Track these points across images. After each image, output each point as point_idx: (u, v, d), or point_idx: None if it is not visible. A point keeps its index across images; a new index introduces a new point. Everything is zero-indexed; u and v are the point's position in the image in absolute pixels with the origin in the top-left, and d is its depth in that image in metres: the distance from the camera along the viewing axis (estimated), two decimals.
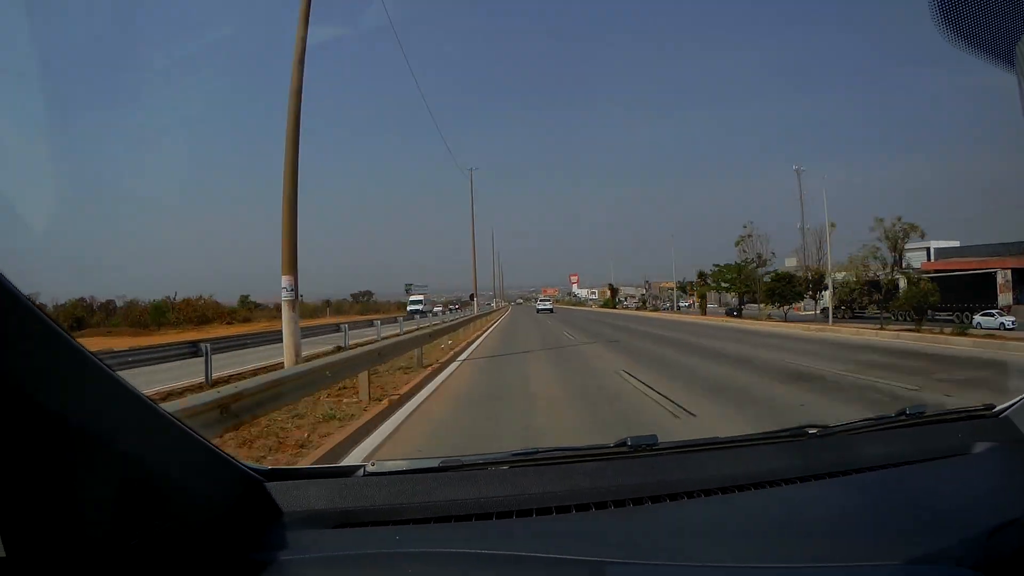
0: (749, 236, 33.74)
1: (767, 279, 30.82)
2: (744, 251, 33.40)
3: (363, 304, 74.79)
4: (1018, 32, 0.66)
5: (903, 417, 1.45)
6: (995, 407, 1.48)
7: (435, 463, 1.16)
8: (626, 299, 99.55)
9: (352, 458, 4.14)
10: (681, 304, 67.78)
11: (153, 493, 0.75)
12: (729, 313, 37.04)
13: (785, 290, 28.65)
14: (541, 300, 60.87)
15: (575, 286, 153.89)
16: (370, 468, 1.12)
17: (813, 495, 1.18)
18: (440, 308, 58.62)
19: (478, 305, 39.85)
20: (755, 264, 33.03)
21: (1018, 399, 1.44)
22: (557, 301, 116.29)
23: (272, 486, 1.02)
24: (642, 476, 1.17)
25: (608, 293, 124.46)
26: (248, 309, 47.76)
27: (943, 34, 0.72)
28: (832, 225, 26.00)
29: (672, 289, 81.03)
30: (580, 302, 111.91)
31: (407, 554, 0.89)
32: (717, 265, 35.55)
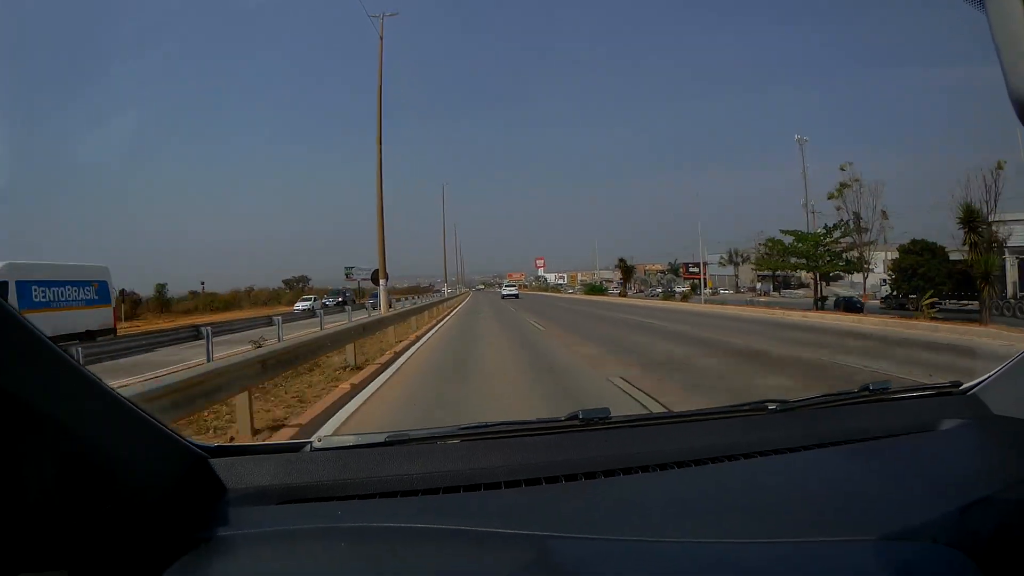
0: (849, 186, 22.73)
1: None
2: (841, 208, 22.70)
3: (295, 292, 60.84)
4: None
5: (866, 392, 1.42)
6: (962, 384, 1.45)
7: (382, 438, 1.13)
8: (602, 283, 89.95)
9: None
10: (677, 289, 57.67)
11: (95, 470, 0.74)
12: (849, 307, 22.67)
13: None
14: (506, 285, 58.04)
15: (541, 270, 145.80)
16: (317, 444, 1.09)
17: (775, 469, 1.15)
18: (336, 300, 40.96)
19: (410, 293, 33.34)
20: (849, 229, 22.17)
21: (985, 377, 1.41)
22: (524, 287, 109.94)
23: (216, 462, 0.99)
24: (596, 450, 1.15)
25: (576, 279, 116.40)
26: None
27: None
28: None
29: (660, 272, 71.44)
30: (549, 287, 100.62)
31: (348, 528, 0.88)
32: (790, 232, 24.32)
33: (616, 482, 1.07)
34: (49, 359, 0.69)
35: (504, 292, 50.86)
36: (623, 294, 53.29)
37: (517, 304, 30.22)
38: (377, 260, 17.04)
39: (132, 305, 40.16)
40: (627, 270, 54.88)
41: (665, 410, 2.75)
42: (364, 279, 58.73)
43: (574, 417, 1.22)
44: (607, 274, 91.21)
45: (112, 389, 0.81)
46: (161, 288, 50.61)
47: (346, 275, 58.13)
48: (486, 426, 1.20)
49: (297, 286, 64.27)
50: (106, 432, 0.78)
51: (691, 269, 61.96)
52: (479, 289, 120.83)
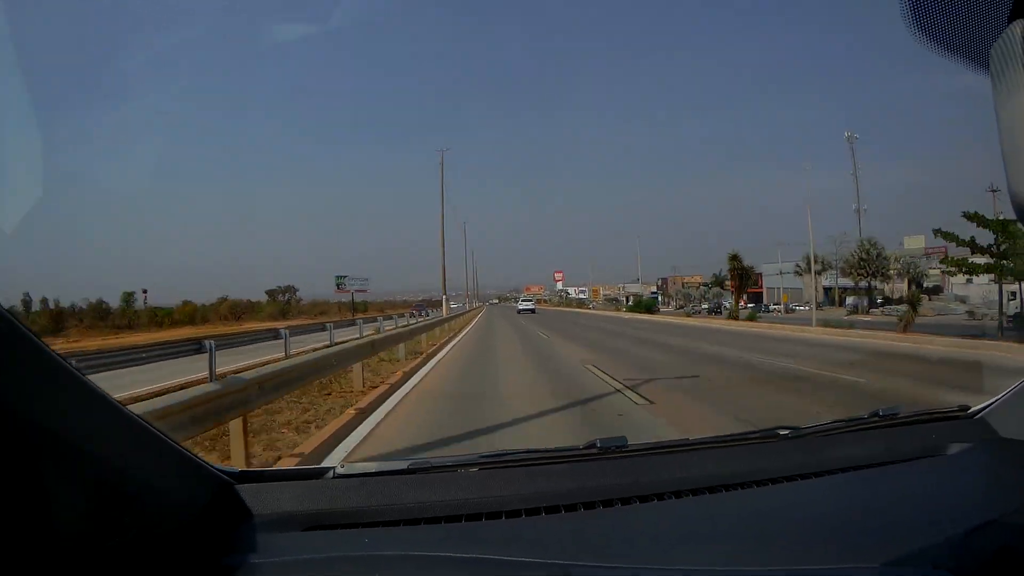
0: None
1: None
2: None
3: (276, 305, 52.28)
4: (992, 35, 0.65)
5: (876, 418, 1.44)
6: (970, 408, 1.47)
7: (404, 465, 1.15)
8: (628, 299, 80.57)
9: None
10: (724, 304, 48.16)
11: (123, 497, 0.75)
12: None
13: None
14: (523, 300, 54.97)
15: (560, 283, 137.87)
16: (340, 470, 1.11)
17: (786, 497, 1.17)
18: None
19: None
20: None
21: (993, 400, 1.43)
22: (543, 301, 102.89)
23: (242, 488, 1.01)
24: (612, 478, 1.16)
25: (599, 293, 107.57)
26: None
27: (916, 38, 0.72)
28: None
29: (703, 285, 61.85)
30: (572, 302, 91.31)
31: (376, 557, 0.89)
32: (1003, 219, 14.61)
33: (633, 510, 1.08)
34: (73, 386, 0.69)
35: (520, 307, 48.39)
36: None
37: (545, 328, 23.59)
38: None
39: (53, 318, 31.75)
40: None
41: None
42: (359, 290, 49.85)
43: (592, 446, 1.23)
44: (635, 288, 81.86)
45: (139, 416, 0.81)
46: (128, 297, 42.55)
47: (337, 286, 49.47)
48: (506, 454, 1.21)
49: (283, 297, 55.63)
50: (135, 460, 0.79)
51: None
52: (493, 303, 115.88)
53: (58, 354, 0.66)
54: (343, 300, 52.36)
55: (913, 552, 0.84)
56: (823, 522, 1.06)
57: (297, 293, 56.72)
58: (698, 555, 0.92)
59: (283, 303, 54.33)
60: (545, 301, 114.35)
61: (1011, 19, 0.63)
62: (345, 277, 50.21)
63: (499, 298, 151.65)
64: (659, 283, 76.60)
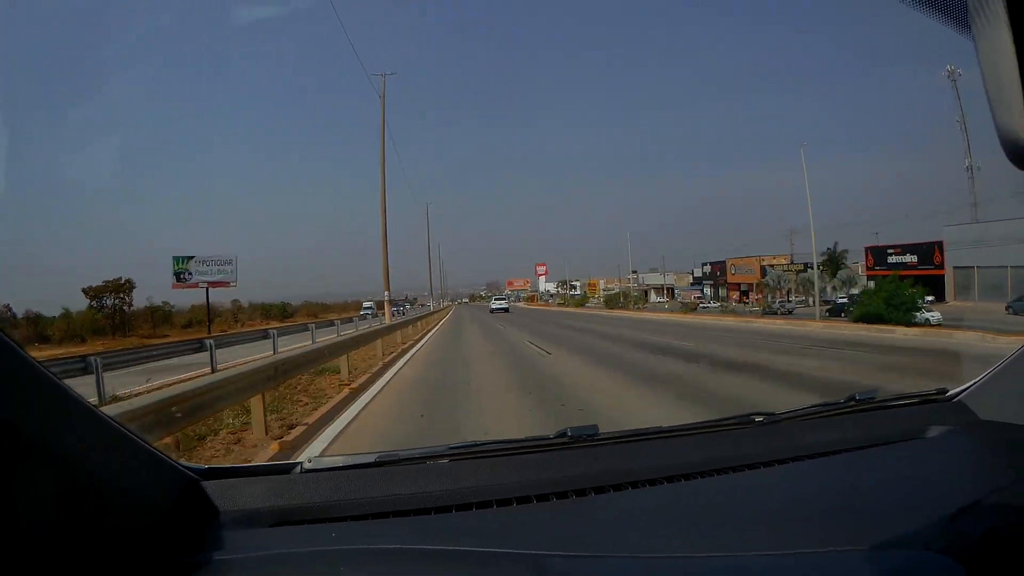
0: None
1: None
2: None
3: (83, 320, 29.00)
4: None
5: (852, 403, 1.42)
6: (948, 391, 1.45)
7: (372, 458, 1.13)
8: (648, 292, 59.72)
9: None
10: (838, 299, 28.38)
11: (88, 495, 0.74)
12: None
13: None
14: (495, 299, 49.98)
15: (543, 278, 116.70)
16: (307, 465, 1.09)
17: (764, 482, 1.15)
18: None
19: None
20: None
21: (972, 383, 1.41)
22: (533, 299, 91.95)
23: (209, 485, 0.99)
24: (584, 467, 1.15)
25: (598, 286, 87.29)
26: None
27: None
28: None
29: (786, 269, 41.07)
30: (571, 299, 69.22)
31: (343, 551, 0.88)
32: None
33: (606, 499, 1.06)
34: (33, 380, 0.68)
35: (493, 306, 44.69)
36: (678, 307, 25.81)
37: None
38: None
39: None
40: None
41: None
42: (217, 282, 26.74)
43: (563, 434, 1.21)
44: (654, 279, 60.52)
45: (103, 413, 0.81)
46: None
47: (177, 277, 26.30)
48: (476, 445, 1.20)
49: (108, 301, 32.02)
50: (99, 457, 0.78)
51: (894, 258, 30.82)
52: (462, 303, 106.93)
53: (13, 341, 0.65)
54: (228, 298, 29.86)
55: (900, 534, 0.84)
56: (805, 507, 1.04)
57: (135, 291, 32.71)
58: (675, 543, 0.90)
59: (98, 310, 30.66)
60: (532, 299, 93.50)
61: None
62: (190, 260, 26.77)
63: (471, 297, 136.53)
64: (704, 271, 55.15)
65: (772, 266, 44.00)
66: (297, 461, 1.10)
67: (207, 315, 28.03)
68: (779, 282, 39.42)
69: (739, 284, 49.23)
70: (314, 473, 1.07)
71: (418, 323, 21.92)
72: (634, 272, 70.74)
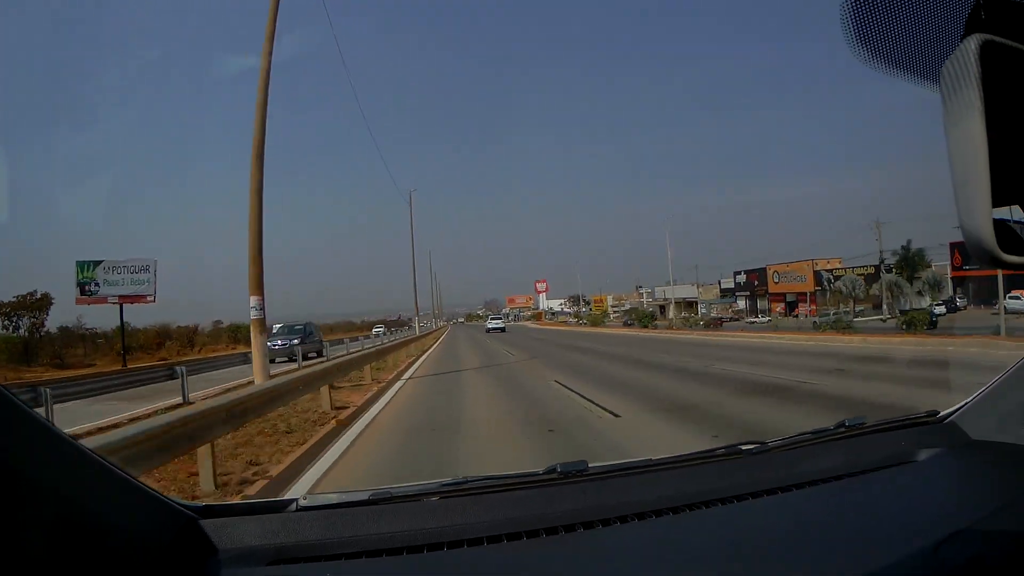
0: None
1: None
2: None
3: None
4: (944, 51, 0.62)
5: (842, 429, 1.41)
6: (939, 413, 1.43)
7: (366, 496, 1.13)
8: (663, 308, 53.32)
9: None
10: (935, 309, 20.71)
11: (83, 536, 0.74)
12: None
13: None
14: (492, 319, 51.77)
15: (543, 295, 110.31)
16: (302, 502, 1.09)
17: (753, 514, 1.15)
18: None
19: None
20: None
21: (962, 403, 1.39)
22: (539, 317, 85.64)
23: (206, 523, 0.99)
24: (573, 502, 1.15)
25: (605, 302, 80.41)
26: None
27: (860, 57, 0.70)
28: None
29: (842, 272, 34.62)
30: (586, 318, 62.25)
31: None
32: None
33: (595, 534, 1.07)
34: (23, 421, 0.68)
35: (489, 326, 44.77)
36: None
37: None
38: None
39: None
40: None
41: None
42: (133, 296, 19.69)
43: (552, 470, 1.21)
44: (686, 290, 54.03)
45: (96, 453, 0.81)
46: None
47: (81, 289, 19.26)
48: (467, 481, 1.20)
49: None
50: (94, 497, 0.78)
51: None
52: (458, 322, 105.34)
53: (6, 388, 0.65)
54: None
55: (885, 565, 0.85)
56: (794, 538, 1.05)
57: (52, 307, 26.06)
58: None
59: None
60: (538, 317, 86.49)
61: (965, 34, 0.59)
62: (97, 266, 20.05)
63: (468, 316, 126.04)
64: (737, 281, 48.41)
65: (830, 271, 37.24)
66: (292, 498, 1.10)
67: (122, 338, 21.11)
68: (853, 288, 32.44)
69: (783, 294, 42.88)
70: (309, 511, 1.07)
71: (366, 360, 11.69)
72: (637, 288, 64.28)
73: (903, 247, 30.82)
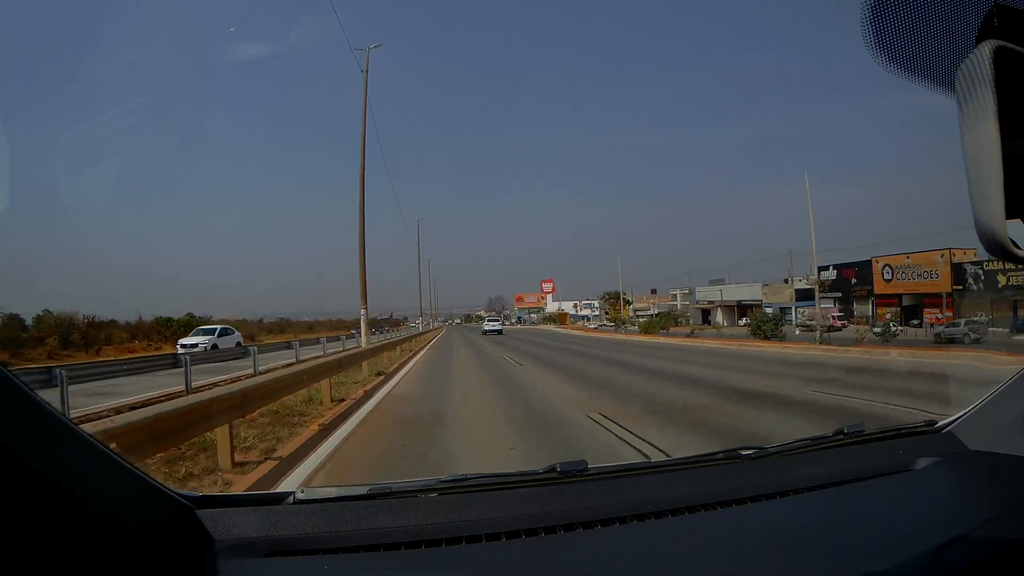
0: None
1: None
2: None
3: None
4: (959, 56, 0.65)
5: (841, 436, 1.42)
6: (936, 423, 1.46)
7: (364, 490, 1.14)
8: (708, 313, 44.79)
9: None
10: None
11: (80, 523, 0.75)
12: None
13: None
14: (489, 320, 48.47)
15: (550, 296, 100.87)
16: (300, 495, 1.10)
17: (751, 518, 1.16)
18: None
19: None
20: None
21: (960, 414, 1.41)
22: (554, 319, 75.52)
23: (203, 514, 1.00)
24: (573, 502, 1.16)
25: (649, 304, 70.35)
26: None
27: (879, 62, 0.74)
28: None
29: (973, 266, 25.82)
30: (618, 319, 52.65)
31: None
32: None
33: (594, 534, 1.08)
34: (23, 405, 0.69)
35: (486, 327, 42.24)
36: None
37: None
38: None
39: None
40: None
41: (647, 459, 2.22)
42: None
43: (552, 469, 1.22)
44: (743, 291, 44.96)
45: (96, 439, 0.81)
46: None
47: None
48: (466, 478, 1.21)
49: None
50: (92, 484, 0.79)
51: None
52: (455, 324, 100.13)
53: (9, 372, 0.65)
54: None
55: (884, 569, 0.86)
56: (792, 543, 1.06)
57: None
58: None
59: None
60: (562, 320, 76.27)
61: (979, 40, 0.62)
62: None
63: (466, 317, 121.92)
64: (822, 278, 38.70)
65: (978, 264, 27.90)
66: (290, 491, 1.10)
67: None
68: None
69: (897, 295, 34.28)
70: (306, 504, 1.07)
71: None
72: (650, 292, 54.98)
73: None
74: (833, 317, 31.80)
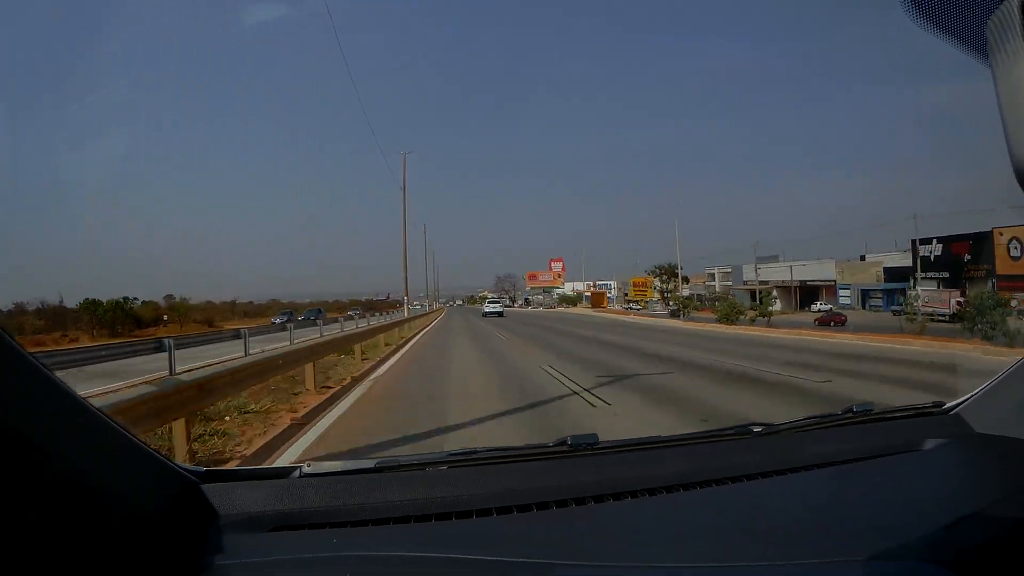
0: None
1: None
2: None
3: None
4: (985, 14, 0.68)
5: (850, 415, 1.45)
6: (945, 404, 1.48)
7: (371, 464, 1.15)
8: (755, 294, 38.96)
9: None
10: None
11: (83, 497, 0.75)
12: None
13: None
14: (489, 302, 46.17)
15: (561, 276, 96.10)
16: (306, 469, 1.11)
17: (763, 493, 1.18)
18: None
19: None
20: None
21: (969, 396, 1.43)
22: (578, 301, 72.38)
23: (208, 488, 1.01)
24: (584, 475, 1.17)
25: (644, 286, 65.09)
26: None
27: (913, 19, 0.76)
28: None
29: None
30: (676, 301, 47.47)
31: (344, 557, 0.90)
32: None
33: (606, 508, 1.08)
34: (31, 377, 0.68)
35: (487, 309, 41.51)
36: None
37: None
38: None
39: None
40: None
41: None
42: None
43: (563, 443, 1.22)
44: (812, 270, 39.83)
45: (102, 412, 0.80)
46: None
47: None
48: (475, 452, 1.22)
49: None
50: (96, 457, 0.79)
51: None
52: (457, 305, 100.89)
53: (18, 344, 0.66)
54: None
55: (895, 545, 0.87)
56: (802, 518, 1.07)
57: None
58: (677, 552, 0.93)
59: None
60: (599, 301, 70.32)
61: None
62: None
63: (469, 299, 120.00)
64: (925, 254, 32.81)
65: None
66: (296, 465, 1.10)
67: None
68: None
69: None
70: (313, 478, 1.08)
71: None
72: (673, 273, 50.02)
73: None
74: (957, 303, 26.37)
